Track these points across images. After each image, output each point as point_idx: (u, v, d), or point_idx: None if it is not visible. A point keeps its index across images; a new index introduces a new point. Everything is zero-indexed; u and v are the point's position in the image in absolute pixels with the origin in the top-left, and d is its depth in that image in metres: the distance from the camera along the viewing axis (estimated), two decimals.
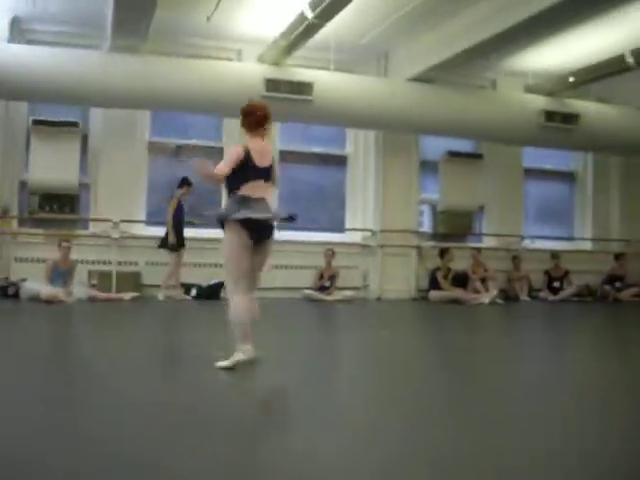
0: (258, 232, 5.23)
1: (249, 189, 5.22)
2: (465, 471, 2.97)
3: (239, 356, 5.08)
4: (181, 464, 2.93)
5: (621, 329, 10.24)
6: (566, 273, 14.02)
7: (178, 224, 11.44)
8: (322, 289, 12.41)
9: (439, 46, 11.27)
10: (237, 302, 5.17)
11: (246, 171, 5.23)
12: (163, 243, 11.43)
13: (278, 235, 12.81)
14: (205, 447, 3.17)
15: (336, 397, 4.51)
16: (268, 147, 5.49)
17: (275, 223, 5.46)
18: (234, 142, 12.58)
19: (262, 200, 5.26)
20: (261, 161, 5.28)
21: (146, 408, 3.95)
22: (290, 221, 5.72)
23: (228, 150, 5.64)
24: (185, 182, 11.63)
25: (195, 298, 11.66)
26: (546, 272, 14.05)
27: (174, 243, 11.36)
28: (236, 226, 5.15)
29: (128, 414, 3.77)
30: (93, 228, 12.18)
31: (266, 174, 5.33)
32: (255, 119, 5.39)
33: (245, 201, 5.18)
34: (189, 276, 11.77)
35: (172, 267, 11.52)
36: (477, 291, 13.02)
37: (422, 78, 12.16)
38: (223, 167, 5.19)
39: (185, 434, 3.39)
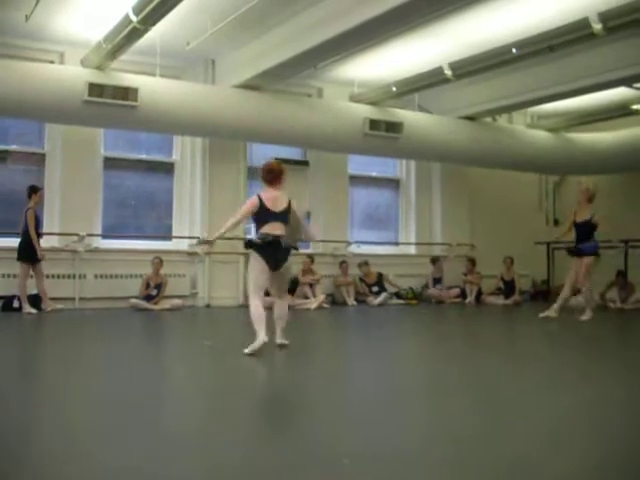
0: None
1: (268, 228, 6.89)
2: None
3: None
4: None
5: (441, 327, 10.77)
6: (379, 277, 14.40)
7: (37, 236, 11.11)
8: (149, 298, 12.21)
9: (265, 54, 11.33)
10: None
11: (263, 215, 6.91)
12: (23, 255, 11.04)
13: (102, 243, 12.60)
14: None
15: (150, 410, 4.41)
16: (282, 196, 7.06)
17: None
18: (57, 148, 12.26)
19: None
20: (274, 207, 6.92)
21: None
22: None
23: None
24: (32, 190, 11.21)
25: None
26: (361, 279, 14.38)
27: (39, 255, 11.07)
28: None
29: None
30: None
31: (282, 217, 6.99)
32: (272, 176, 7.02)
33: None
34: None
35: (41, 279, 11.28)
36: (306, 297, 13.22)
37: (249, 85, 12.17)
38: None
39: None
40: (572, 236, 11.01)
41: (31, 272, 11.18)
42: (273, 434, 3.83)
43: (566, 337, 9.21)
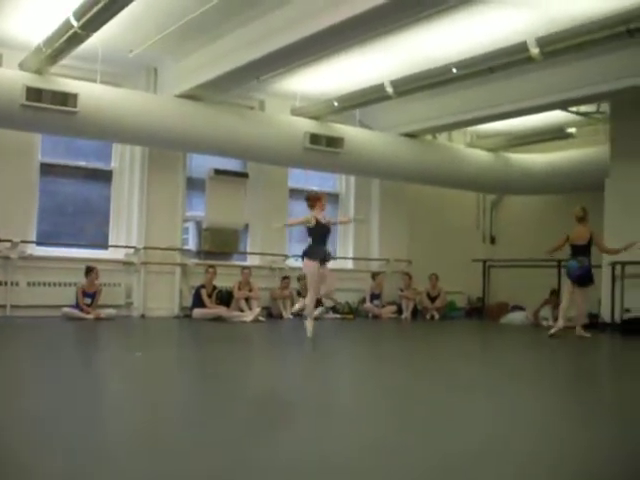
0: None
1: None
2: None
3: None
4: None
5: (376, 342, 10.79)
6: None
7: None
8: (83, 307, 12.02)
9: (207, 65, 11.30)
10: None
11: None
12: None
13: (36, 250, 12.30)
14: None
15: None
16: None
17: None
18: None
19: None
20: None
21: None
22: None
23: None
24: None
25: None
26: (298, 293, 14.18)
27: None
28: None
29: None
30: None
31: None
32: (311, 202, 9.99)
33: None
34: None
35: None
36: (242, 309, 13.15)
37: (191, 96, 12.12)
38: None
39: None
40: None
41: None
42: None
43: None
